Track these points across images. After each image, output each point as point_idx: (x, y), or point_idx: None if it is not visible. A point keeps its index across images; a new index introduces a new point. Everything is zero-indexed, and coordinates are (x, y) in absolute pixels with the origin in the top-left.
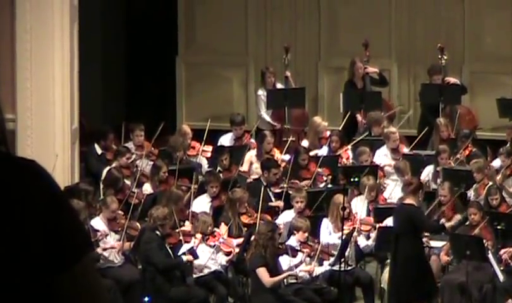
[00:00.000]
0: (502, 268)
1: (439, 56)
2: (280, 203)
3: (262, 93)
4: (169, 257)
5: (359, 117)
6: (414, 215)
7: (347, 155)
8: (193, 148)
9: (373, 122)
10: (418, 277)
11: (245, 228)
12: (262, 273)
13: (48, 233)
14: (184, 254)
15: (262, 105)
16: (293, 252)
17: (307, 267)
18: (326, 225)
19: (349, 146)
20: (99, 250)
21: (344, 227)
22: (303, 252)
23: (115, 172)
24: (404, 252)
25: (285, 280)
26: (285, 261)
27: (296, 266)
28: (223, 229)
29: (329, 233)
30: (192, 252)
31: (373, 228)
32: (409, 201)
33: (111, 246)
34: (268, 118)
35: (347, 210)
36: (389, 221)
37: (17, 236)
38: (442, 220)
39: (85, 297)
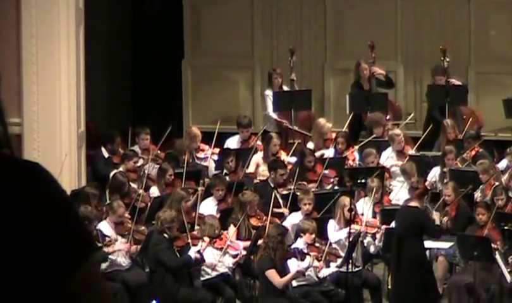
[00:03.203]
0: (509, 270)
1: (441, 58)
2: (286, 210)
3: (269, 93)
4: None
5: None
6: (420, 217)
7: (353, 157)
8: (202, 150)
9: (374, 123)
10: (423, 281)
11: (254, 231)
12: (272, 274)
13: (53, 235)
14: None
15: (269, 103)
16: (301, 256)
17: (316, 263)
18: (332, 227)
19: (356, 148)
20: (106, 249)
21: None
22: (310, 255)
23: (120, 176)
24: (409, 256)
25: (293, 282)
26: (293, 265)
27: (305, 269)
28: (232, 231)
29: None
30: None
31: (378, 229)
32: (414, 203)
33: (119, 248)
34: (275, 116)
35: (353, 212)
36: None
37: (22, 239)
38: (445, 219)
39: (91, 297)
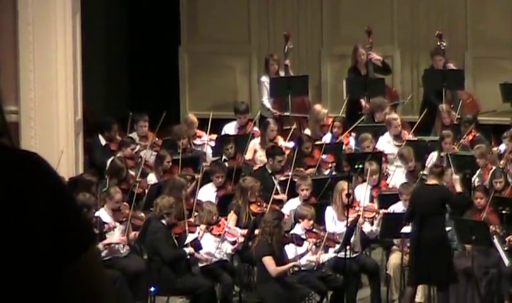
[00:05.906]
0: (506, 248)
1: (438, 43)
2: (284, 197)
3: (265, 79)
4: (174, 248)
5: (363, 102)
6: (443, 192)
7: (347, 141)
8: (199, 136)
9: (376, 108)
10: (444, 260)
11: (254, 217)
12: (268, 261)
13: (53, 226)
14: (186, 246)
15: (265, 91)
16: (299, 241)
17: (313, 257)
18: (330, 213)
19: (352, 132)
20: (105, 242)
21: (349, 214)
22: (308, 241)
23: (118, 161)
24: (431, 234)
25: (290, 269)
26: (291, 250)
27: (302, 255)
28: (231, 217)
29: (333, 222)
30: (196, 242)
31: (376, 214)
32: (434, 181)
33: (117, 241)
34: (268, 105)
35: (351, 197)
36: (393, 208)
37: (21, 230)
38: None
39: (91, 288)
